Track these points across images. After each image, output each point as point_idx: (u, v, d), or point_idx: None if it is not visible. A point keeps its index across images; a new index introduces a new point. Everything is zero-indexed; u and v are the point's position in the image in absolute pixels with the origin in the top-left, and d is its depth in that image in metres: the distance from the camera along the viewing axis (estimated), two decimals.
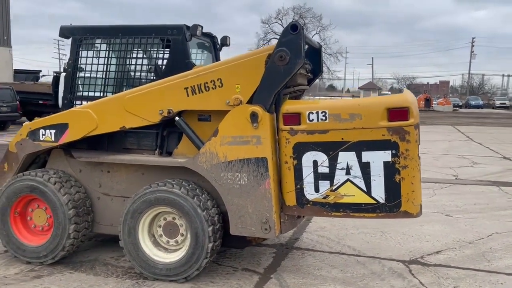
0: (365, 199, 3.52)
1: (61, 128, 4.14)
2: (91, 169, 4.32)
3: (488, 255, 4.64)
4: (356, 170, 3.50)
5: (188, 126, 3.91)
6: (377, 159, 3.44)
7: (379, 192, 3.48)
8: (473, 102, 54.68)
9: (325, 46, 56.37)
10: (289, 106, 3.66)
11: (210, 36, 4.82)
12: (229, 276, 3.99)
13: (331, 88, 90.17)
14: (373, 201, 3.51)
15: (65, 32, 4.39)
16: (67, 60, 4.39)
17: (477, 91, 75.23)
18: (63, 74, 19.14)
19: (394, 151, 3.40)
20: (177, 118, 3.90)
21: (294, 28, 3.50)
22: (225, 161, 3.73)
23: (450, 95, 75.09)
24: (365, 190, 3.51)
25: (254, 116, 3.61)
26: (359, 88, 77.18)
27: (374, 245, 4.91)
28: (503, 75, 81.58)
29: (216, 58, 4.91)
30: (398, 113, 3.38)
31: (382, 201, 3.49)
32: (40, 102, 19.75)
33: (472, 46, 68.13)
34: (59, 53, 70.39)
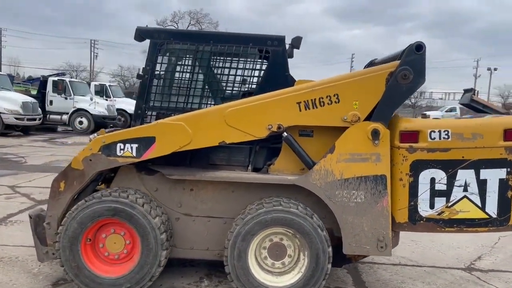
0: (479, 214, 3.70)
1: (145, 142, 3.67)
2: (170, 187, 3.89)
3: None
4: (473, 187, 3.66)
5: (297, 142, 3.74)
6: (494, 176, 3.65)
7: (492, 207, 3.69)
8: None
9: None
10: (407, 123, 3.70)
11: None
12: None
13: None
14: (486, 216, 3.70)
15: (142, 34, 3.88)
16: (144, 66, 3.89)
17: None
18: None
19: (509, 169, 3.63)
20: (285, 133, 3.70)
21: (419, 48, 3.55)
22: (341, 178, 3.64)
23: None
24: (480, 206, 3.69)
25: (376, 134, 3.59)
26: None
27: (421, 254, 5.15)
28: None
29: None
30: None
31: (494, 216, 3.70)
32: None
33: (352, 61, 73.96)
34: None
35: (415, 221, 3.72)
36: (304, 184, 3.66)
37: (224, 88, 3.95)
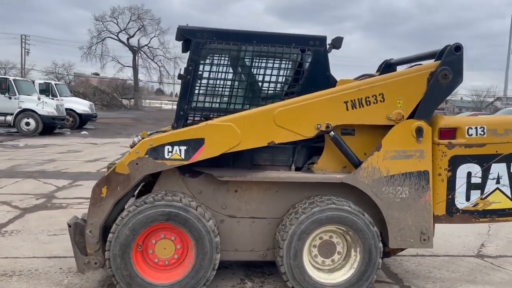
0: (509, 204, 3.97)
1: (194, 144, 3.58)
2: (214, 189, 3.83)
3: None
4: (505, 179, 3.92)
5: (343, 141, 3.81)
6: None
7: None
8: None
9: (164, 51, 55.96)
10: (445, 121, 3.88)
11: None
12: None
13: (160, 92, 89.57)
14: None
15: (184, 33, 3.76)
16: (186, 66, 3.78)
17: None
18: None
19: None
20: (332, 133, 3.76)
21: (457, 49, 3.74)
22: (387, 175, 3.76)
23: None
24: (510, 196, 3.95)
25: (419, 131, 3.74)
26: None
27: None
28: None
29: None
30: None
31: None
32: None
33: None
34: None
35: (452, 213, 3.92)
36: (353, 182, 3.74)
37: (267, 88, 3.93)
